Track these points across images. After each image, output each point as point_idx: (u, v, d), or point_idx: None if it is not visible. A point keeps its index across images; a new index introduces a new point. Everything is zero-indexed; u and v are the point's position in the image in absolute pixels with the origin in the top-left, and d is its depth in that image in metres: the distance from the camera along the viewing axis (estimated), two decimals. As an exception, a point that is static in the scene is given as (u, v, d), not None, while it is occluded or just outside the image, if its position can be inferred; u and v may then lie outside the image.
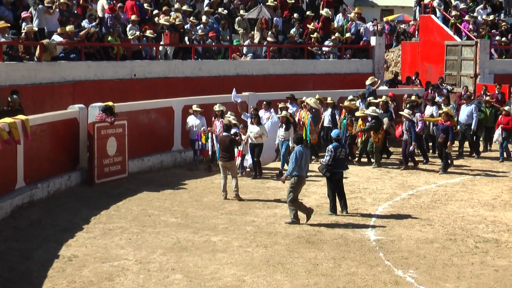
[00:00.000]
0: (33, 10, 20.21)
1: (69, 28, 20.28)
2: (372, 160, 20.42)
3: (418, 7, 33.07)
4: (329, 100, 21.30)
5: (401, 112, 20.31)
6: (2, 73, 17.98)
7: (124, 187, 17.19)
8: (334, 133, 15.52)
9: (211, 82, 23.30)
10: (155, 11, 24.18)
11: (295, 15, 27.35)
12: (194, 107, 19.15)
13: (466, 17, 29.72)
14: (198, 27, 24.27)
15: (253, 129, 18.34)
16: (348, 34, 27.62)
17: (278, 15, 27.04)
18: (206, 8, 25.63)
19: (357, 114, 20.34)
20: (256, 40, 25.75)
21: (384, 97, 21.75)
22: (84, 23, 21.36)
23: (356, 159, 20.69)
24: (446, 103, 22.30)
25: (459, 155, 21.63)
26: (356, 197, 16.61)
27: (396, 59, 33.46)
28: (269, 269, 11.59)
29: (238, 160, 18.05)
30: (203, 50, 24.23)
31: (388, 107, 21.19)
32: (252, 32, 25.92)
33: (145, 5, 24.12)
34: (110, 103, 17.66)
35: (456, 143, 21.56)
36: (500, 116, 21.40)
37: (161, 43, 22.87)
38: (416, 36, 32.30)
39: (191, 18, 24.72)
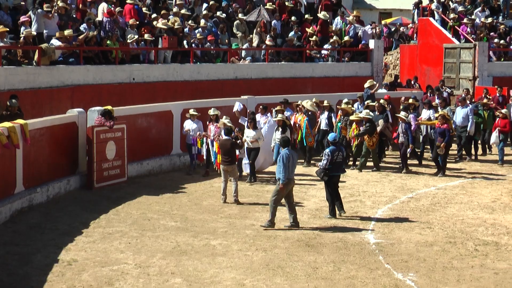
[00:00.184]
0: (32, 14, 20.21)
1: (67, 32, 20.28)
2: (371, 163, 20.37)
3: (416, 10, 33.08)
4: (325, 103, 21.27)
5: (397, 115, 20.29)
6: (1, 78, 17.99)
7: (123, 191, 17.18)
8: (330, 136, 15.50)
9: (209, 86, 23.30)
10: (154, 15, 24.19)
11: (293, 18, 27.37)
12: (191, 111, 19.07)
13: (465, 20, 29.75)
14: (196, 31, 24.27)
15: (249, 133, 18.28)
16: (346, 37, 27.64)
17: (276, 18, 27.06)
18: (204, 12, 25.64)
19: (351, 118, 20.25)
20: (254, 44, 25.77)
21: (382, 100, 21.75)
22: (83, 27, 21.36)
23: (351, 163, 20.55)
24: (443, 106, 22.29)
25: (459, 158, 21.61)
26: (356, 200, 16.60)
27: (394, 62, 33.47)
28: (268, 272, 11.58)
29: None
30: (201, 54, 24.24)
31: (385, 110, 21.18)
32: (251, 36, 25.93)
33: (144, 9, 24.14)
34: (109, 107, 17.66)
35: (454, 146, 21.60)
36: (498, 119, 21.39)
37: (160, 46, 22.87)
38: (415, 39, 32.31)
39: (190, 21, 24.73)
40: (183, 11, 24.99)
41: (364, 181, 18.71)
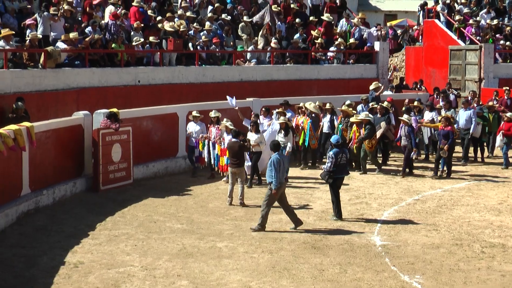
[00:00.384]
0: (38, 17, 20.26)
1: (73, 35, 20.32)
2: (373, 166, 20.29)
3: (421, 12, 33.01)
4: (327, 106, 21.24)
5: (400, 118, 20.21)
6: (7, 80, 18.02)
7: (129, 193, 17.19)
8: (333, 139, 15.50)
9: (215, 88, 23.29)
10: (159, 18, 24.21)
11: (297, 20, 27.37)
12: (194, 113, 19.01)
13: (470, 22, 29.69)
14: (201, 33, 24.29)
15: (251, 137, 18.14)
16: (352, 40, 27.63)
17: (281, 21, 27.07)
18: (209, 14, 25.65)
19: (351, 120, 20.18)
20: (260, 46, 25.77)
21: (385, 102, 21.73)
22: (88, 30, 21.38)
23: (354, 165, 20.49)
24: (447, 108, 22.27)
25: (464, 161, 21.54)
26: (362, 203, 16.58)
27: (400, 64, 33.44)
28: (274, 275, 11.57)
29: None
30: (207, 56, 24.25)
31: (388, 112, 21.18)
32: (256, 38, 25.94)
33: (149, 11, 24.17)
34: (115, 110, 17.67)
35: (459, 149, 21.60)
36: (503, 122, 21.27)
37: (165, 49, 22.88)
38: (420, 41, 32.27)
39: (195, 24, 24.74)
40: (188, 13, 25.00)
41: (370, 183, 18.69)
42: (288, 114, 20.19)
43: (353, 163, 20.17)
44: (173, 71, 22.80)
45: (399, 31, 36.15)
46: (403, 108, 21.46)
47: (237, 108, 19.35)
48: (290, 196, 16.97)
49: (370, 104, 21.91)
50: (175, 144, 19.85)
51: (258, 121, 18.97)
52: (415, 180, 19.13)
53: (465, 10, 30.83)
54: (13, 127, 14.68)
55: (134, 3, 23.45)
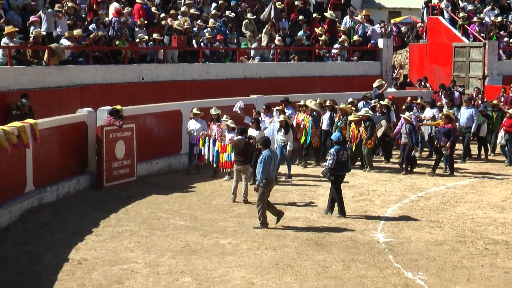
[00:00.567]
0: (42, 13, 20.27)
1: (77, 32, 20.33)
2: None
3: (425, 9, 33.01)
4: (327, 103, 21.22)
5: (402, 115, 20.14)
6: (10, 78, 18.05)
7: (132, 190, 17.21)
8: (334, 136, 15.50)
9: (218, 85, 23.31)
10: (162, 15, 24.22)
11: (301, 17, 27.35)
12: (194, 110, 18.98)
13: (474, 19, 29.65)
14: (205, 30, 24.29)
15: (252, 133, 18.13)
16: (355, 37, 27.61)
17: (284, 17, 27.07)
18: (213, 11, 25.67)
19: (350, 118, 20.12)
20: (263, 43, 25.77)
21: (386, 100, 21.72)
22: (91, 27, 21.40)
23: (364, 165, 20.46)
24: (450, 105, 22.25)
25: (464, 159, 21.48)
26: (365, 199, 16.58)
27: (404, 61, 33.41)
28: (278, 271, 11.57)
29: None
30: (210, 53, 24.26)
31: (389, 110, 21.17)
32: (260, 35, 25.94)
33: (153, 8, 24.19)
34: (118, 107, 17.68)
35: (459, 146, 21.58)
36: (505, 119, 21.16)
37: (168, 46, 22.89)
38: (424, 38, 32.23)
39: (199, 21, 24.75)
40: (192, 10, 25.01)
41: (374, 180, 18.68)
42: (289, 112, 20.16)
43: (362, 162, 20.09)
44: (177, 68, 22.81)
45: (403, 28, 36.11)
46: (403, 106, 21.40)
47: (239, 112, 19.28)
48: (293, 193, 17.04)
49: (372, 102, 21.89)
50: (179, 141, 19.86)
51: (260, 118, 18.96)
52: (419, 177, 19.12)
53: (469, 7, 30.81)
54: (17, 124, 14.69)
55: (138, 0, 23.45)
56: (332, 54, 27.33)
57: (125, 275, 11.33)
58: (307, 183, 18.30)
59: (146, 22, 23.07)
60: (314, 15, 28.21)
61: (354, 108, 21.06)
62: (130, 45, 22.02)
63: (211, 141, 18.47)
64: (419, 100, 22.15)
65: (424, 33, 32.27)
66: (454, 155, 20.06)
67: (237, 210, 15.54)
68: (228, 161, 17.83)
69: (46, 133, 15.83)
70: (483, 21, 29.76)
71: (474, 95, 23.47)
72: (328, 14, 27.79)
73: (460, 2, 31.47)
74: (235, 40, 25.48)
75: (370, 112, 20.34)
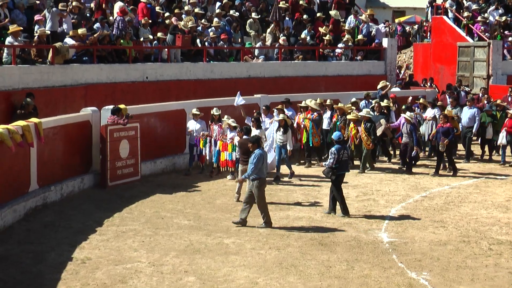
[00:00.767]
0: (46, 12, 20.29)
1: (81, 31, 20.35)
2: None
3: (430, 8, 32.95)
4: (328, 102, 21.21)
5: (403, 115, 20.06)
6: (15, 76, 18.07)
7: (136, 189, 17.22)
8: (335, 135, 15.49)
9: (223, 85, 23.31)
10: (167, 14, 24.24)
11: (305, 16, 27.34)
12: (194, 111, 18.93)
13: (479, 18, 29.61)
14: (209, 30, 24.30)
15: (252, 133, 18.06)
16: (360, 36, 27.59)
17: (288, 17, 27.06)
18: (217, 11, 25.67)
19: (348, 117, 20.09)
20: (268, 42, 25.76)
21: (385, 100, 21.72)
22: (96, 26, 21.42)
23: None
24: (454, 105, 22.23)
25: (467, 159, 21.44)
26: (369, 199, 16.57)
27: (408, 61, 33.38)
28: (282, 271, 11.57)
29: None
30: (215, 53, 24.26)
31: (389, 110, 21.14)
32: (264, 34, 25.94)
33: (157, 8, 24.20)
34: (122, 106, 17.70)
35: (461, 146, 21.59)
36: (507, 119, 21.06)
37: (172, 45, 22.90)
38: (428, 38, 32.19)
39: (203, 20, 24.75)
40: (196, 9, 25.02)
41: (378, 180, 18.67)
42: (289, 113, 20.13)
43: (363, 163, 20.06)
44: (181, 67, 22.82)
45: (408, 28, 36.05)
46: (403, 106, 21.33)
47: (242, 103, 19.23)
48: (297, 193, 17.04)
49: (373, 102, 21.88)
50: (183, 140, 19.85)
51: (260, 118, 18.93)
52: (423, 177, 19.10)
53: (474, 6, 30.77)
54: (21, 123, 14.70)
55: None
56: (336, 54, 27.31)
57: (129, 274, 11.34)
58: (311, 183, 18.30)
59: (150, 21, 23.09)
60: (318, 14, 28.20)
61: (354, 108, 21.02)
62: (134, 44, 22.04)
63: (212, 141, 18.42)
64: (421, 100, 22.10)
65: (429, 33, 32.23)
66: (457, 155, 20.02)
67: (239, 209, 15.50)
68: (229, 160, 17.82)
69: (50, 132, 15.85)
70: (488, 21, 29.72)
71: (480, 95, 23.40)
72: (333, 13, 27.77)
73: (464, 1, 31.44)
74: (239, 40, 25.49)
75: (371, 113, 20.29)
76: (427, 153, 22.06)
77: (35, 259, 11.99)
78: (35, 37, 19.37)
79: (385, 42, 28.08)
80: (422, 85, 28.13)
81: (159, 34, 22.61)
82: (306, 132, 20.18)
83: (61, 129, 16.42)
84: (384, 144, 21.25)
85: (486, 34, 28.89)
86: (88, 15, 22.36)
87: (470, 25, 29.45)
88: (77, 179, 16.82)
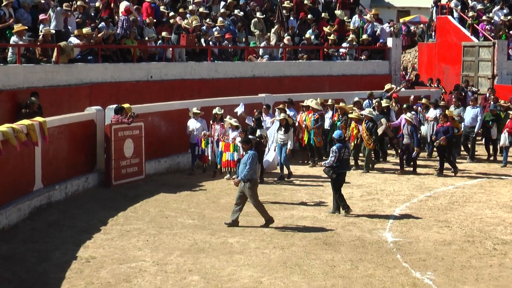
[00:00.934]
0: (51, 12, 20.32)
1: (86, 30, 20.36)
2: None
3: (435, 8, 32.90)
4: (329, 102, 21.19)
5: (404, 116, 19.99)
6: (20, 76, 18.08)
7: (141, 188, 17.24)
8: (336, 133, 15.49)
9: (227, 84, 23.31)
10: (171, 13, 24.24)
11: (309, 16, 27.32)
12: (194, 110, 18.91)
13: (484, 18, 29.57)
14: (214, 29, 24.30)
15: None
16: (364, 36, 27.57)
17: (293, 16, 27.05)
18: (222, 10, 25.67)
19: (350, 116, 20.07)
20: (272, 42, 25.76)
21: (385, 100, 21.70)
22: (100, 26, 21.43)
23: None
24: (457, 105, 22.21)
25: (471, 159, 21.41)
26: (373, 199, 16.56)
27: (412, 61, 33.34)
28: (286, 270, 11.57)
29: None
30: (219, 52, 24.26)
31: (389, 110, 21.11)
32: (268, 34, 25.93)
33: (162, 7, 24.20)
34: (126, 105, 17.71)
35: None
36: (508, 119, 20.98)
37: (176, 44, 22.90)
38: (433, 37, 32.15)
39: (207, 20, 24.75)
40: (200, 9, 25.02)
41: (382, 180, 18.66)
42: (291, 114, 20.09)
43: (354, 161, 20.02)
44: (185, 66, 22.82)
45: (412, 27, 36.00)
46: (404, 106, 21.27)
47: (242, 112, 19.21)
48: (301, 192, 17.03)
49: (374, 101, 21.86)
50: (187, 139, 19.81)
51: (261, 118, 18.92)
52: (427, 177, 19.08)
53: (479, 6, 30.71)
54: (26, 122, 14.74)
55: (147, -1, 23.51)
56: (341, 53, 27.30)
57: (133, 273, 11.35)
58: (315, 183, 18.28)
59: (155, 20, 23.10)
60: (323, 14, 28.18)
61: (355, 108, 20.98)
62: (139, 43, 22.05)
63: (215, 142, 18.39)
64: (423, 101, 22.07)
65: (433, 32, 32.18)
66: (461, 155, 20.00)
67: (245, 209, 15.46)
68: (231, 160, 17.81)
69: (55, 131, 15.87)
70: (493, 21, 29.66)
71: (487, 95, 23.36)
72: (338, 13, 27.75)
73: (469, 1, 31.39)
74: (243, 39, 25.47)
75: (374, 113, 20.26)
76: (426, 153, 22.00)
77: (40, 258, 12.01)
78: (40, 37, 19.39)
79: (389, 41, 28.05)
80: (428, 84, 28.06)
81: (163, 34, 22.62)
82: (307, 132, 20.16)
83: (66, 128, 16.44)
84: (382, 143, 21.22)
85: (491, 34, 28.83)
86: (92, 14, 22.37)
87: (475, 25, 29.41)
88: (82, 178, 16.84)
